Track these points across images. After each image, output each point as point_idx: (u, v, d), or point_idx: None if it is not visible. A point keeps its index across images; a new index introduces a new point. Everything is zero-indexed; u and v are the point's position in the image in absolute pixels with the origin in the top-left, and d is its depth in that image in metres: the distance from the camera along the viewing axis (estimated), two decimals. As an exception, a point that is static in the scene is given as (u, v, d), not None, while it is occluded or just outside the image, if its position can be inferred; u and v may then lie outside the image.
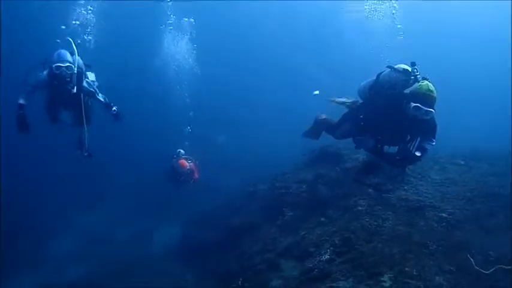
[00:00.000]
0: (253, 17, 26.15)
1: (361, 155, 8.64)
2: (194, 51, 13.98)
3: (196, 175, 10.27)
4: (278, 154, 12.68)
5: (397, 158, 5.52)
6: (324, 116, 6.93)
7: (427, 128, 5.34)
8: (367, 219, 6.02)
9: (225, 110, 19.38)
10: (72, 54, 6.45)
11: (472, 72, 26.14)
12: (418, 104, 4.98)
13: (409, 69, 5.41)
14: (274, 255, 6.49)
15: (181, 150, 10.49)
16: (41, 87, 6.55)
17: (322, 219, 6.72)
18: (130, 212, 13.24)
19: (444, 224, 5.94)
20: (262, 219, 8.00)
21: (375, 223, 5.89)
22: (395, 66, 5.51)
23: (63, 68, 6.18)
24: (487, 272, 4.66)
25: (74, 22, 8.31)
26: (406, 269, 4.95)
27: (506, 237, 5.97)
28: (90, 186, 14.62)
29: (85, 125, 6.67)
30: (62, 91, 6.39)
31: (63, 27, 8.10)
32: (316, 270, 5.27)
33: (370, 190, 6.19)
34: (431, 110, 5.02)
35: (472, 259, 4.77)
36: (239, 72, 24.46)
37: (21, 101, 6.33)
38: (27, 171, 14.59)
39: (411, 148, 5.43)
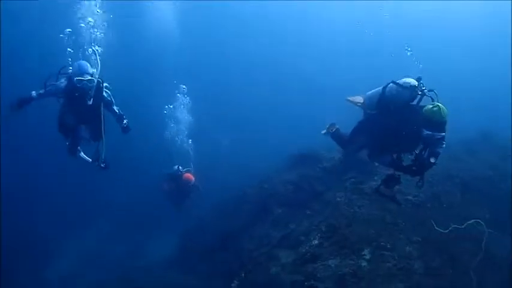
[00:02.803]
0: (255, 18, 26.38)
1: (337, 155, 9.71)
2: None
3: (198, 184, 10.33)
4: (262, 159, 13.36)
5: (414, 168, 5.57)
6: (335, 128, 6.75)
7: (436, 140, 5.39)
8: (346, 208, 7.10)
9: (212, 113, 19.34)
10: (92, 65, 6.38)
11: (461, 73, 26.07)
12: (429, 132, 5.17)
13: (416, 84, 5.39)
14: (270, 248, 7.45)
15: (179, 167, 10.34)
16: (59, 95, 6.41)
17: (308, 212, 7.76)
18: (125, 227, 13.56)
19: (410, 205, 7.07)
20: (254, 219, 8.92)
21: (353, 210, 6.97)
22: (401, 82, 5.49)
23: (85, 82, 6.15)
24: (445, 231, 5.74)
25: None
26: (382, 243, 6.07)
27: (463, 210, 7.16)
28: (83, 203, 14.78)
29: (103, 136, 6.61)
30: (80, 103, 6.33)
31: (83, 25, 7.44)
32: (308, 254, 6.29)
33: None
34: (443, 134, 5.19)
35: (433, 222, 5.81)
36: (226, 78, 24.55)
37: (34, 94, 6.19)
38: (19, 188, 14.47)
39: (425, 155, 5.45)
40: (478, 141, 11.51)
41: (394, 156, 5.70)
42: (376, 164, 6.49)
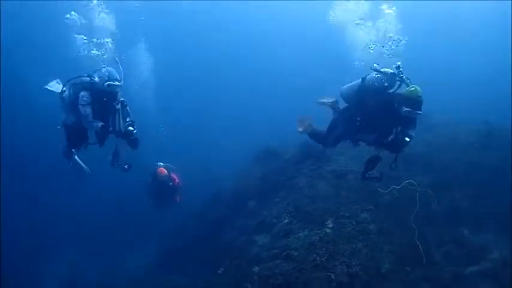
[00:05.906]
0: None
1: (293, 148, 10.89)
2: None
3: (177, 181, 10.14)
4: (230, 160, 14.26)
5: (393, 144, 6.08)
6: (310, 127, 6.98)
7: (411, 120, 5.83)
8: (308, 190, 8.30)
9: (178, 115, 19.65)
10: (118, 72, 6.43)
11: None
12: (409, 109, 5.50)
13: (395, 72, 5.75)
14: (248, 235, 8.46)
15: (160, 163, 10.21)
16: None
17: (277, 199, 8.87)
18: (104, 242, 13.55)
19: (360, 181, 8.32)
20: (230, 214, 9.93)
21: (313, 191, 8.18)
22: (382, 70, 5.83)
23: (114, 86, 6.25)
24: (386, 192, 7.09)
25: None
26: (341, 213, 7.29)
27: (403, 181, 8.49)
28: (57, 224, 14.70)
29: (122, 137, 6.60)
30: (106, 108, 6.41)
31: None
32: (281, 231, 7.37)
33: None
34: (419, 112, 5.56)
35: (376, 185, 7.09)
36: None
37: (98, 123, 6.27)
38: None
39: (400, 136, 5.89)
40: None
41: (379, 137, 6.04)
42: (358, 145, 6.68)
